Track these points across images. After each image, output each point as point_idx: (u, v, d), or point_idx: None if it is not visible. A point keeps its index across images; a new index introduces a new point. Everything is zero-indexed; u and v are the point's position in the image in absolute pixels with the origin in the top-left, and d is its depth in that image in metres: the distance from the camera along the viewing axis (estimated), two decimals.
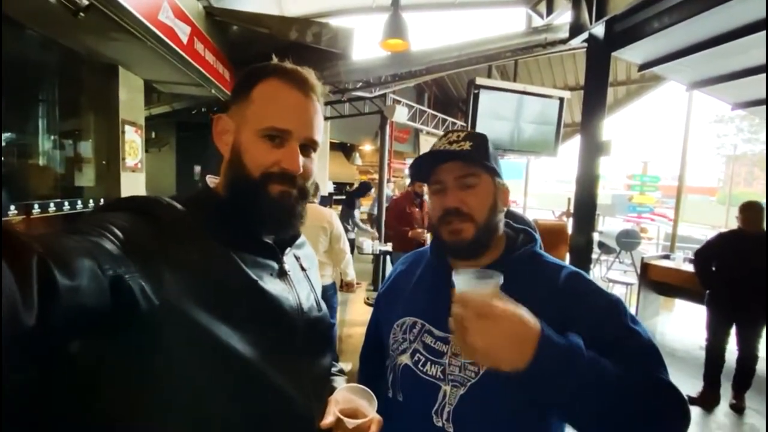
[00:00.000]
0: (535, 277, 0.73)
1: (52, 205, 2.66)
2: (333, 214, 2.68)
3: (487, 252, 0.77)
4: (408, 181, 7.81)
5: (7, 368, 0.33)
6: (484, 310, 0.54)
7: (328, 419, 0.61)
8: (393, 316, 0.83)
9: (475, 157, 0.72)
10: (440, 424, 0.69)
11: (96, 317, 0.41)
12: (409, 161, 10.53)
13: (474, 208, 0.73)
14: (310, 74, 0.64)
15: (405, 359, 0.76)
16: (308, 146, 0.64)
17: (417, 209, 4.13)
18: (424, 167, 0.78)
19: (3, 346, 0.31)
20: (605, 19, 2.47)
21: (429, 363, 0.73)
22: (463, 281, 0.57)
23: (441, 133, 8.07)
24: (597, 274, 6.65)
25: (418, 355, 0.75)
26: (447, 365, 0.72)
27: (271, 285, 0.61)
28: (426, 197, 3.81)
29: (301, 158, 0.61)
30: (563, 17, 3.46)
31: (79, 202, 2.96)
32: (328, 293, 2.69)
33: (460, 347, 0.58)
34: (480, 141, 0.75)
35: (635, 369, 0.59)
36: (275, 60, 0.65)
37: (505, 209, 0.79)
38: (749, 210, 2.93)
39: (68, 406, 0.51)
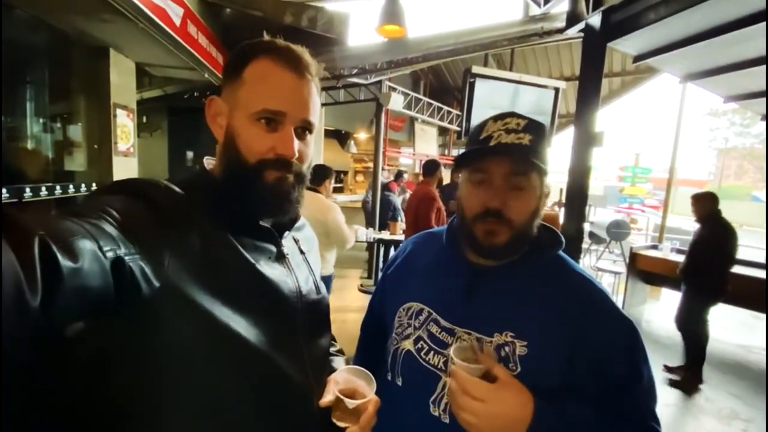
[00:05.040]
0: (556, 283, 0.71)
1: (44, 189, 2.63)
2: (332, 206, 2.63)
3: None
4: (402, 173, 7.71)
5: (12, 350, 0.33)
6: (473, 391, 0.58)
7: (328, 398, 0.62)
8: (399, 298, 0.82)
9: (533, 155, 0.66)
10: (436, 414, 0.69)
11: (98, 299, 0.42)
12: (405, 150, 10.48)
13: (516, 213, 0.68)
14: (304, 52, 0.61)
15: (408, 345, 0.75)
16: (304, 128, 0.62)
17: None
18: (474, 155, 0.71)
19: (9, 328, 0.32)
20: (602, 9, 2.46)
21: (432, 352, 0.72)
22: (457, 356, 0.62)
23: (436, 122, 8.02)
24: (587, 263, 6.76)
25: (421, 342, 0.74)
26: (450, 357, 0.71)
27: (269, 269, 0.61)
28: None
29: (296, 142, 0.60)
30: (560, 6, 3.44)
31: (71, 186, 2.93)
32: (325, 284, 2.69)
33: (457, 419, 0.61)
34: (541, 135, 0.68)
35: (630, 417, 0.64)
36: (267, 37, 0.62)
37: (542, 213, 0.74)
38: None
39: (72, 388, 0.51)
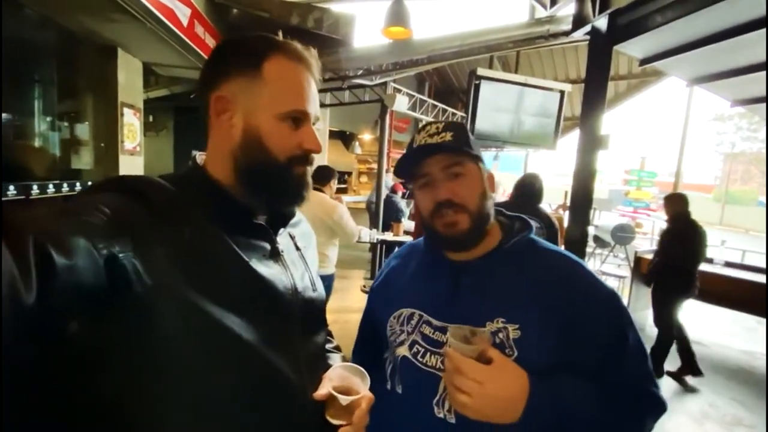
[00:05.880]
0: (534, 264, 0.74)
1: (51, 186, 2.66)
2: (336, 205, 2.64)
3: (483, 241, 0.76)
4: None
5: (8, 347, 0.33)
6: (469, 372, 0.58)
7: (322, 391, 0.62)
8: (389, 309, 0.82)
9: (459, 146, 0.72)
10: (441, 415, 0.68)
11: (92, 296, 0.42)
12: None
13: (466, 198, 0.71)
14: (311, 52, 0.65)
15: (403, 351, 0.75)
16: (313, 124, 0.65)
17: None
18: (409, 164, 0.76)
19: (4, 324, 0.32)
20: (608, 12, 2.46)
21: (428, 354, 0.72)
22: (453, 337, 0.62)
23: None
24: (591, 267, 6.70)
25: (417, 346, 0.74)
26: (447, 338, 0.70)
27: (263, 267, 0.61)
28: None
29: None
30: (566, 9, 3.43)
31: (78, 184, 2.96)
32: (326, 283, 2.70)
33: (450, 401, 0.62)
34: (460, 130, 0.74)
35: (625, 382, 0.67)
36: (280, 36, 0.64)
37: (494, 195, 0.78)
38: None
39: (67, 386, 0.51)
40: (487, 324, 0.69)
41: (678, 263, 3.22)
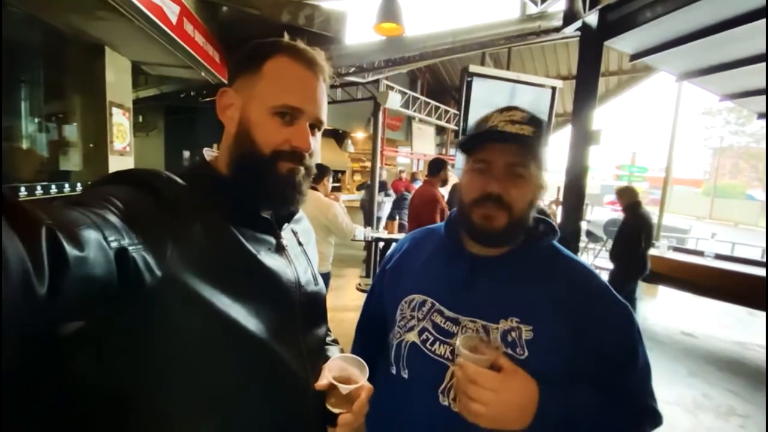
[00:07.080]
0: (554, 269, 0.74)
1: (39, 188, 2.61)
2: (331, 203, 2.65)
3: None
4: (399, 169, 7.76)
5: (21, 337, 0.33)
6: (483, 382, 0.59)
7: (323, 381, 0.64)
8: (400, 291, 0.82)
9: (534, 147, 0.68)
10: (446, 403, 0.69)
11: (103, 288, 0.42)
12: (402, 149, 10.48)
13: (515, 200, 0.69)
14: (319, 54, 0.64)
15: (412, 337, 0.76)
16: (315, 126, 0.64)
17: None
18: (475, 140, 0.72)
19: (17, 315, 0.31)
20: (599, 8, 2.48)
21: (437, 342, 0.73)
22: (464, 347, 0.63)
23: (434, 121, 8.03)
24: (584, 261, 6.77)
25: (426, 333, 0.74)
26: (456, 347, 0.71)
27: (270, 260, 0.62)
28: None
29: (311, 137, 0.63)
30: (557, 5, 3.45)
31: (66, 185, 2.91)
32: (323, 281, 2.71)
33: (462, 411, 0.62)
34: (541, 130, 0.70)
35: (629, 396, 0.68)
36: (287, 38, 0.65)
37: (537, 204, 0.76)
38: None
39: (76, 378, 0.52)
40: (501, 321, 0.69)
41: (633, 248, 3.57)
